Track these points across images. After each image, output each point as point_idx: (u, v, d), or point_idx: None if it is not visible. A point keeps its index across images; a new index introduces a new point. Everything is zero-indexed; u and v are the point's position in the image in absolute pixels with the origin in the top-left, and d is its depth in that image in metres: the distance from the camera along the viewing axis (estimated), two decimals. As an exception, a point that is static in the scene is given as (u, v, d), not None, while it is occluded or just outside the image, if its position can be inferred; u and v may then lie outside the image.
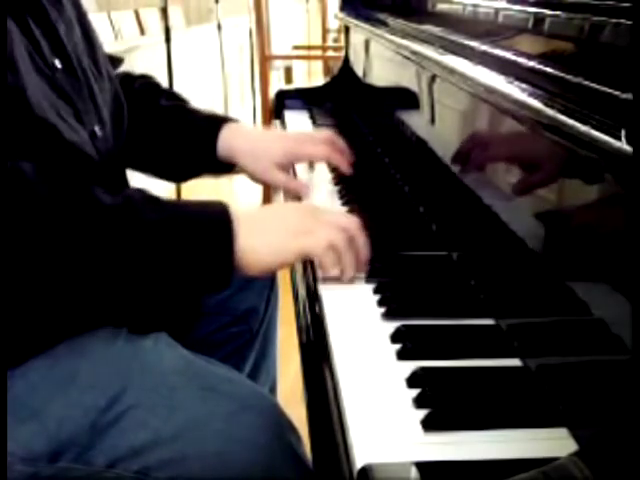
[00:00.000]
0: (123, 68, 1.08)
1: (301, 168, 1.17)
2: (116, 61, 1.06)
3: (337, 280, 0.75)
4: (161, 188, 3.42)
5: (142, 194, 0.69)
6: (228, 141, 1.01)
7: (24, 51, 0.72)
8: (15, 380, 0.67)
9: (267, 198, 3.28)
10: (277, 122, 1.59)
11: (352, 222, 0.75)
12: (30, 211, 0.63)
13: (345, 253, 0.73)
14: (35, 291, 0.65)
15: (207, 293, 0.93)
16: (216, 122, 1.03)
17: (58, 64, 0.78)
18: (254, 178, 1.03)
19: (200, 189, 3.60)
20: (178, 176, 1.14)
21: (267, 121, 2.87)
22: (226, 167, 1.04)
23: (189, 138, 1.03)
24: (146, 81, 1.10)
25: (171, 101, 1.07)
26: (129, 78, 1.08)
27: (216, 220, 0.70)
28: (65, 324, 0.71)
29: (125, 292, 0.67)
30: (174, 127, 1.04)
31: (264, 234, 0.72)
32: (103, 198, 0.66)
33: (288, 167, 1.06)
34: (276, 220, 0.75)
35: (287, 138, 1.07)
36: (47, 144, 0.72)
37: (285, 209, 0.81)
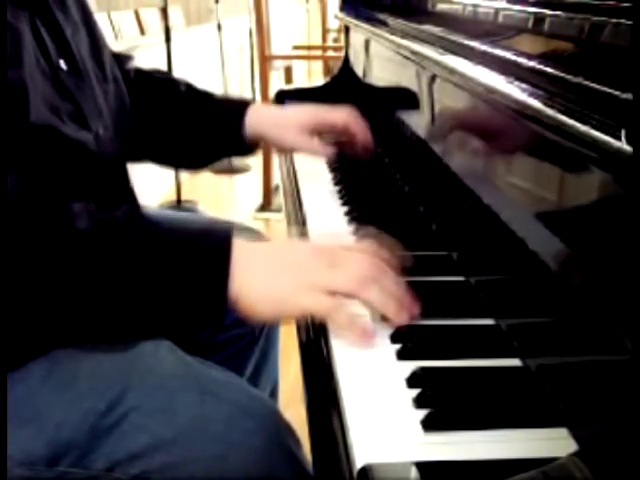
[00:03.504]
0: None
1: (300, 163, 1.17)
2: (125, 58, 1.08)
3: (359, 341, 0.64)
4: (161, 188, 3.42)
5: (132, 216, 0.66)
6: (254, 118, 1.04)
7: (31, 51, 0.73)
8: (14, 383, 0.67)
9: (267, 200, 3.28)
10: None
11: (376, 266, 0.66)
12: (3, 229, 0.60)
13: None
14: (14, 307, 0.62)
15: (194, 333, 0.85)
16: (241, 104, 1.07)
17: (63, 65, 0.79)
18: (282, 147, 1.09)
19: (200, 189, 3.61)
20: (202, 160, 1.13)
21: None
22: (250, 147, 1.07)
23: (217, 120, 1.05)
24: (163, 74, 1.13)
25: (191, 89, 1.09)
26: (144, 72, 1.09)
27: (211, 254, 0.64)
28: (46, 341, 0.69)
29: (101, 321, 0.64)
30: (200, 111, 1.05)
31: (267, 283, 0.65)
32: (80, 222, 0.63)
33: (314, 133, 1.08)
34: (284, 267, 0.66)
35: (308, 107, 1.11)
36: (47, 146, 0.72)
37: (296, 254, 0.69)
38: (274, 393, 1.14)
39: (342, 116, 1.07)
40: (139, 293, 0.63)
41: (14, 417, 0.65)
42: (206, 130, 1.06)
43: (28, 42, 0.73)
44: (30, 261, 0.61)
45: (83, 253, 0.62)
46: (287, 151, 1.13)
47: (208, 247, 0.65)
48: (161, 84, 1.09)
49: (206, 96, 1.09)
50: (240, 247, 0.65)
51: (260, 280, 0.65)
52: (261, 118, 1.05)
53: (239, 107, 1.06)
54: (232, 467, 0.65)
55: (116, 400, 0.67)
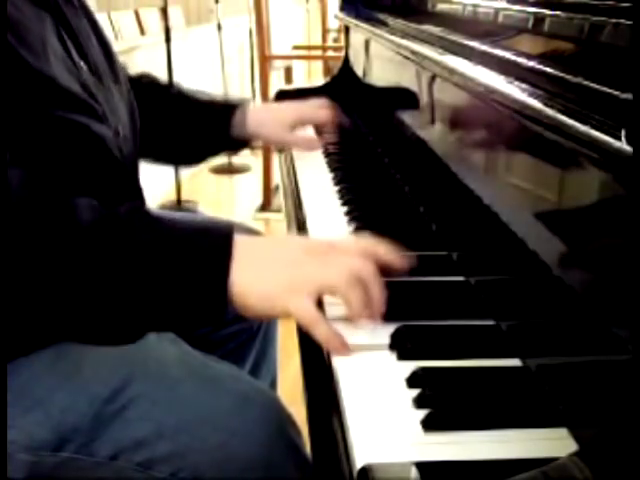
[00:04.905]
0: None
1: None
2: None
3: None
4: (161, 188, 3.42)
5: (135, 211, 0.66)
6: (242, 119, 1.14)
7: (58, 49, 0.76)
8: (20, 369, 0.68)
9: (267, 200, 3.28)
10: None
11: (367, 267, 0.66)
12: (6, 224, 0.59)
13: (354, 299, 0.64)
14: (14, 301, 0.61)
15: (195, 328, 0.84)
16: (229, 106, 1.17)
17: (83, 66, 0.81)
18: (270, 142, 1.23)
19: (200, 189, 3.61)
20: (195, 158, 1.22)
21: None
22: (240, 144, 1.18)
23: (206, 121, 1.14)
24: (151, 77, 1.18)
25: (179, 91, 1.17)
26: (134, 78, 1.11)
27: (213, 250, 0.63)
28: (49, 335, 0.68)
29: (103, 315, 0.62)
30: (190, 112, 1.14)
31: (259, 278, 0.64)
32: (83, 215, 0.62)
33: (298, 128, 1.22)
34: (277, 263, 0.66)
35: (292, 104, 1.26)
36: (70, 139, 0.74)
37: (290, 249, 0.69)
38: (272, 389, 1.15)
39: (324, 114, 1.23)
40: (141, 287, 0.61)
41: (20, 403, 0.66)
42: (197, 131, 1.14)
43: (54, 42, 0.76)
44: (32, 254, 0.60)
45: (85, 246, 0.61)
46: (273, 145, 1.27)
47: (210, 243, 0.64)
48: (153, 88, 1.15)
49: (195, 99, 1.16)
50: (239, 242, 0.65)
51: (253, 275, 0.64)
52: (250, 118, 1.15)
53: (227, 110, 1.15)
54: (235, 455, 0.66)
55: (120, 388, 0.68)
